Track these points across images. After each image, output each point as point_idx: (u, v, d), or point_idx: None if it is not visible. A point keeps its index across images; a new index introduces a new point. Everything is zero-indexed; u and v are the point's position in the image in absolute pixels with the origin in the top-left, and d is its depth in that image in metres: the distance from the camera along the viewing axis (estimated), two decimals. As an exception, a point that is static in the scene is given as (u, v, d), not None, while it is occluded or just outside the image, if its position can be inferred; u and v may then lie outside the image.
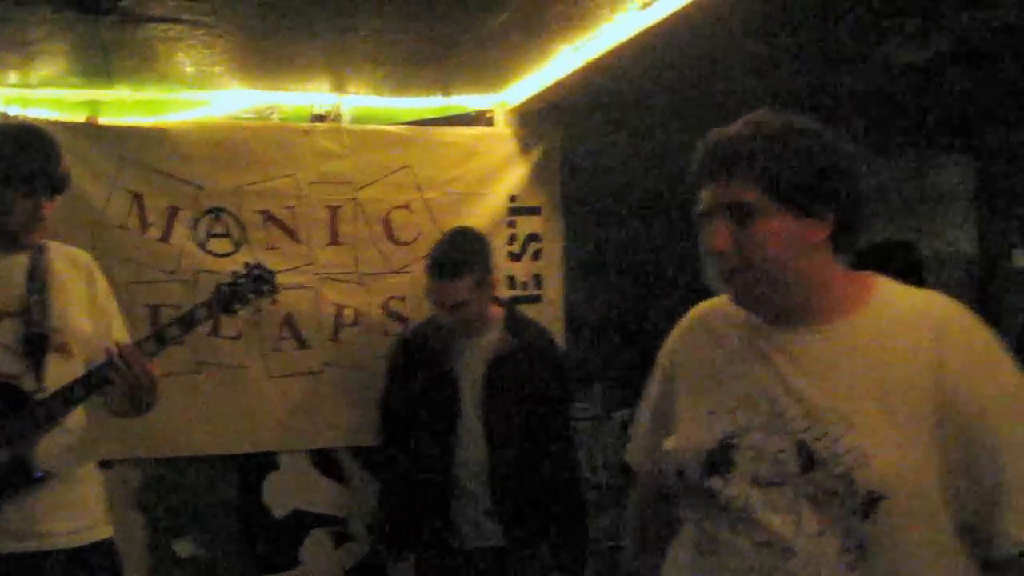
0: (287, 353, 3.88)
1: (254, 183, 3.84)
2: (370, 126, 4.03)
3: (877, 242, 4.06)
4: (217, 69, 3.55)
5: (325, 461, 4.00)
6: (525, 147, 4.14)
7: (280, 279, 3.71)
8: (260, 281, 2.91)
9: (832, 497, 1.57)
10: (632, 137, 4.22)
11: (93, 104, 3.79)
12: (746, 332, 1.75)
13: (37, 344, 2.61)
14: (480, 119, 4.16)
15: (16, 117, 3.60)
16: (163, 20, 2.95)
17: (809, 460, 1.59)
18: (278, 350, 3.87)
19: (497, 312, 3.41)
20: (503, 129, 4.13)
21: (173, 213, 3.75)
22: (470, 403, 3.32)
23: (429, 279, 3.35)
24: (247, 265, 2.93)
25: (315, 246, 3.91)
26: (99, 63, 3.42)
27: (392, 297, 3.98)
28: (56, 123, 3.65)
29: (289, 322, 3.88)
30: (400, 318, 3.97)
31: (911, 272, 3.66)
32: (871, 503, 1.54)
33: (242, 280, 2.87)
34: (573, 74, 3.48)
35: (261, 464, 3.94)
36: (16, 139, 2.66)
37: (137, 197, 3.71)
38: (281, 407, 3.88)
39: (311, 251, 3.90)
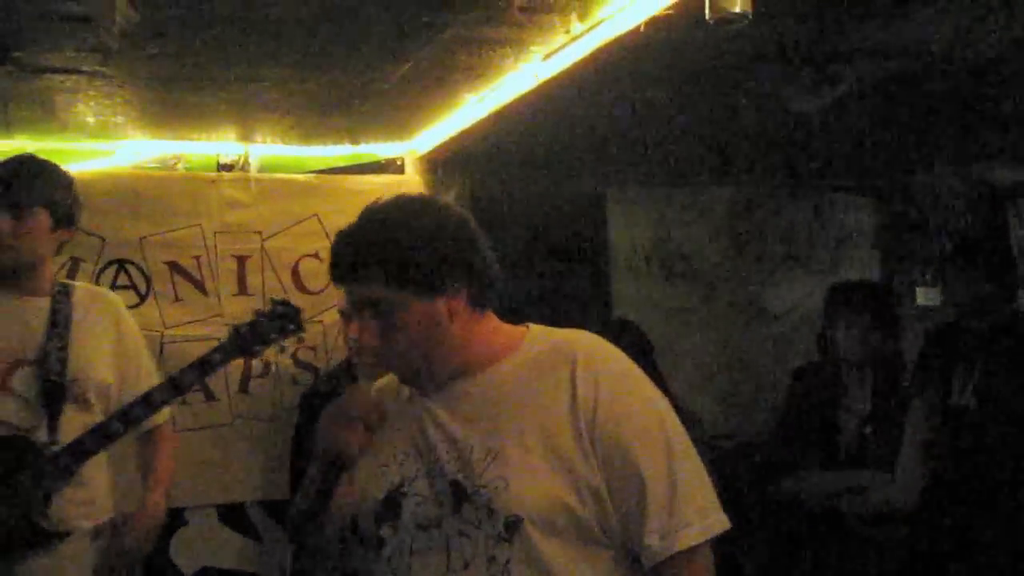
0: (194, 406, 3.81)
1: (159, 233, 3.78)
2: (278, 175, 4.01)
3: (849, 282, 4.00)
4: (119, 119, 3.50)
5: (234, 516, 3.92)
6: (435, 194, 4.15)
7: (187, 331, 3.72)
8: (284, 319, 2.77)
9: (478, 528, 1.69)
10: (539, 183, 4.26)
11: (-9, 155, 3.71)
12: (412, 388, 1.88)
13: (53, 394, 2.52)
14: (390, 167, 4.16)
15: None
16: (61, 71, 2.90)
17: (460, 497, 1.71)
18: (185, 403, 3.77)
19: None
20: (412, 177, 4.13)
21: (75, 265, 3.67)
22: None
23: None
24: (273, 301, 2.79)
25: (223, 297, 3.85)
26: (-4, 114, 3.36)
27: (302, 347, 3.93)
28: (-49, 175, 3.58)
29: (196, 375, 3.80)
30: (310, 368, 3.92)
31: (886, 313, 3.62)
32: (511, 526, 1.66)
33: (263, 319, 2.74)
34: (480, 122, 3.50)
35: (168, 521, 3.83)
36: (4, 166, 2.61)
37: (37, 249, 3.62)
38: (189, 461, 3.77)
39: (219, 302, 3.85)
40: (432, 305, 1.74)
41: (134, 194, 3.78)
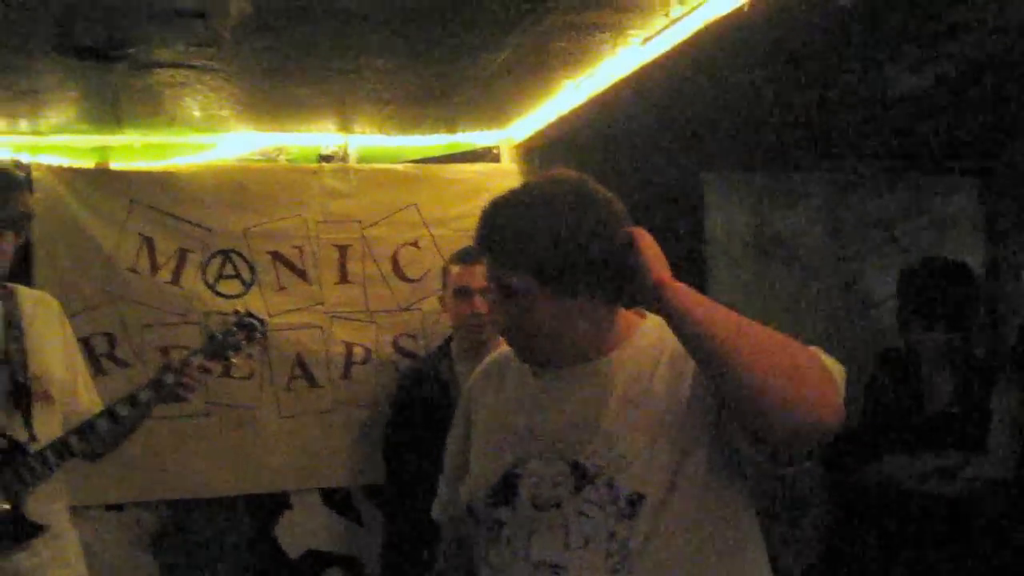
0: (298, 393, 3.89)
1: (262, 224, 3.87)
2: (377, 165, 4.07)
3: (920, 269, 3.75)
4: (224, 112, 3.59)
5: (338, 500, 4.00)
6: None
7: (290, 319, 3.81)
8: (250, 329, 2.95)
9: (599, 507, 1.70)
10: (636, 170, 4.24)
11: (102, 150, 3.84)
12: (528, 369, 1.89)
13: (21, 393, 2.59)
14: (486, 155, 4.19)
15: (27, 164, 3.64)
16: (171, 66, 2.98)
17: (582, 478, 1.72)
18: (289, 390, 3.88)
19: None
20: (509, 165, 4.15)
21: (183, 256, 3.78)
22: None
23: (456, 269, 3.38)
24: (236, 313, 2.98)
25: (324, 285, 3.93)
26: (108, 109, 3.47)
27: (402, 334, 4.00)
28: (66, 169, 3.71)
29: (300, 362, 3.89)
30: (410, 355, 3.98)
31: (964, 295, 3.50)
32: (633, 503, 1.68)
33: (234, 328, 2.92)
34: (577, 109, 3.50)
35: (274, 504, 3.94)
36: None
37: (147, 240, 3.74)
38: (293, 447, 3.89)
39: (321, 290, 3.92)
40: (567, 303, 1.74)
41: (238, 186, 3.88)
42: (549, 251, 1.70)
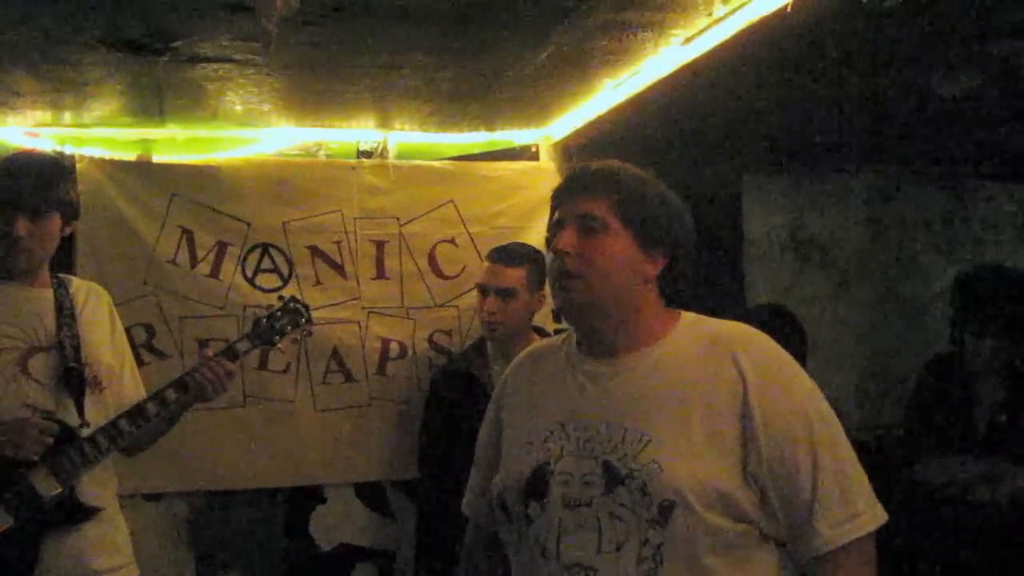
0: (334, 387, 3.91)
1: (301, 219, 3.89)
2: (416, 162, 4.08)
3: (978, 273, 3.65)
4: (266, 107, 3.61)
5: (371, 494, 4.01)
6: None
7: (327, 313, 3.81)
8: (296, 314, 2.98)
9: (631, 510, 1.69)
10: (675, 170, 4.23)
11: (145, 142, 3.87)
12: (563, 364, 1.90)
13: (74, 379, 2.62)
14: (525, 154, 4.19)
15: (71, 156, 3.68)
16: (215, 60, 3.00)
17: (612, 478, 1.72)
18: (325, 384, 3.90)
19: (537, 340, 3.43)
20: (547, 164, 4.15)
21: (222, 249, 3.81)
22: None
23: (486, 266, 3.45)
24: (281, 299, 3.01)
25: (361, 280, 3.95)
26: (152, 102, 3.50)
27: (438, 331, 4.01)
28: (109, 161, 3.75)
29: (336, 356, 3.91)
30: (446, 351, 3.99)
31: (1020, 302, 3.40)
32: (664, 510, 1.67)
33: (279, 313, 2.95)
34: (617, 108, 3.49)
35: (308, 497, 3.96)
36: (18, 167, 2.66)
37: (187, 233, 3.77)
38: (328, 440, 3.91)
39: (358, 285, 3.94)
40: (635, 252, 1.81)
41: (278, 181, 3.90)
42: (637, 189, 1.82)
